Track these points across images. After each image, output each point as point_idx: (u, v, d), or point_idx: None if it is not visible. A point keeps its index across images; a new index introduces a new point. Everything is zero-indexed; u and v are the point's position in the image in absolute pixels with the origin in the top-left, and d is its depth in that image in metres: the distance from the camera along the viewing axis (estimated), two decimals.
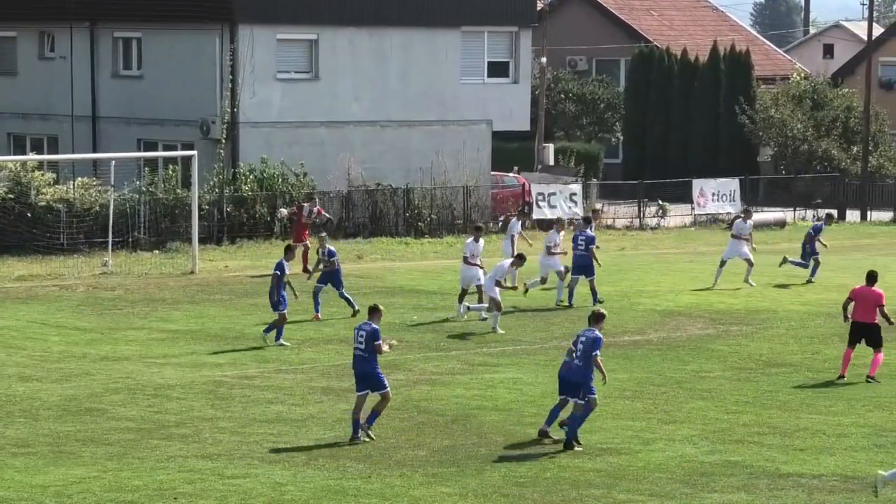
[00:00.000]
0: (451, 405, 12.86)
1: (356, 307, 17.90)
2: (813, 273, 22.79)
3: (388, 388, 11.41)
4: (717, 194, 34.72)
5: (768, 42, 55.56)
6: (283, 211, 25.63)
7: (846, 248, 28.83)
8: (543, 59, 39.17)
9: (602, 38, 45.35)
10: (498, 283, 17.59)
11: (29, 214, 24.81)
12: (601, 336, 11.04)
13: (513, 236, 22.04)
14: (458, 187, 30.20)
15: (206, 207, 26.05)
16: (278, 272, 16.20)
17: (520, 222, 23.03)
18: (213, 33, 28.15)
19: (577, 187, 32.83)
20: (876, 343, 14.11)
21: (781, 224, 33.83)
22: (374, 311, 11.69)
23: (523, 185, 32.58)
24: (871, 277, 14.51)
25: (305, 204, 24.10)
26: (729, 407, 12.93)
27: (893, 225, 36.60)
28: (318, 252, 19.11)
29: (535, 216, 30.46)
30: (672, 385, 14.18)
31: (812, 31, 67.83)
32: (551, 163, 36.69)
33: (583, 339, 10.83)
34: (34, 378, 14.08)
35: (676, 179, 36.22)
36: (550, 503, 9.09)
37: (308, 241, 22.77)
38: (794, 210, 36.42)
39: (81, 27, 30.31)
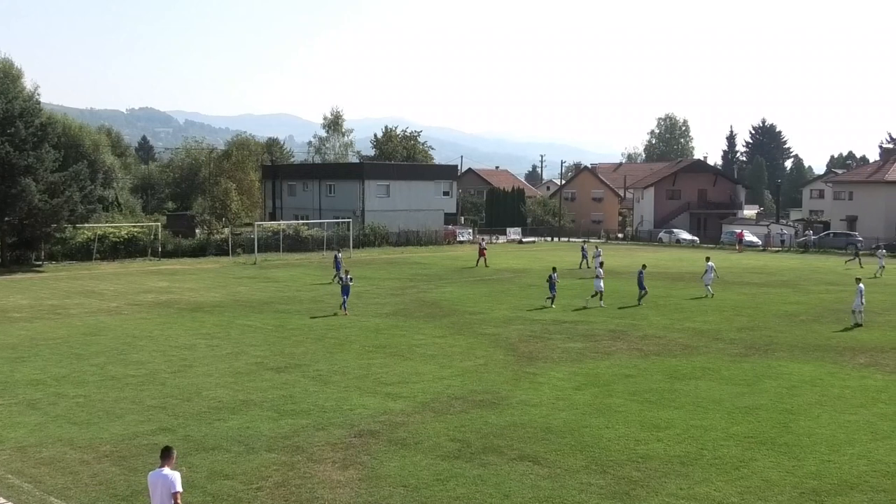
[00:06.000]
0: None
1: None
2: None
3: None
4: None
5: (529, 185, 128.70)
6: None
7: None
8: (459, 190, 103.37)
9: (479, 183, 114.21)
10: None
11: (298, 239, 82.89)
12: None
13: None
14: (431, 230, 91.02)
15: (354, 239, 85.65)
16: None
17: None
18: (357, 181, 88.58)
19: (470, 230, 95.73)
20: None
21: None
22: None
23: (454, 230, 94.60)
24: None
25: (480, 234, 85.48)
26: None
27: None
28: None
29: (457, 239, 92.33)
30: None
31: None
32: (463, 221, 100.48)
33: None
34: None
35: None
36: None
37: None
38: None
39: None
